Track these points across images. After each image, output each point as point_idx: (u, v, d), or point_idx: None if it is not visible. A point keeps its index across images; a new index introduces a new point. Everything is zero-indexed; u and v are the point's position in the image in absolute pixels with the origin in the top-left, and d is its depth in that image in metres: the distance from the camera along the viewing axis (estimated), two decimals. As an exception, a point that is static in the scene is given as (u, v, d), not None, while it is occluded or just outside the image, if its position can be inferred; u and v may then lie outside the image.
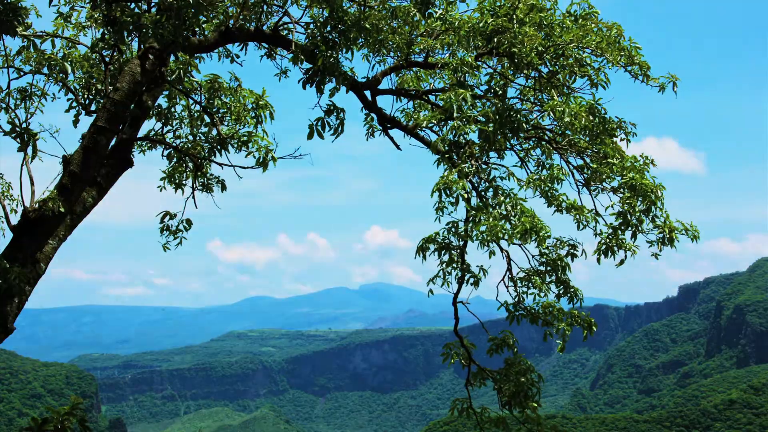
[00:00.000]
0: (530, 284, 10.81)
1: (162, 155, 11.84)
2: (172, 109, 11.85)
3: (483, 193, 10.10)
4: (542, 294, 10.75)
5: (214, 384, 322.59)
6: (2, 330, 8.96)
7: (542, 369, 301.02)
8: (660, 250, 10.36)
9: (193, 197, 12.17)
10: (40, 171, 10.21)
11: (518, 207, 9.48)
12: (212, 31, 10.80)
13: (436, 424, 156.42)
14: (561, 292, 10.69)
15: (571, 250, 10.46)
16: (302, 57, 10.27)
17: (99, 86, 11.00)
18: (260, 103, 10.97)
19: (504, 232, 9.10)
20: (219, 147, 11.33)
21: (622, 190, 10.44)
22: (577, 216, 10.33)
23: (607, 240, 10.34)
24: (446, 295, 10.93)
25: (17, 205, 11.40)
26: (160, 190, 12.29)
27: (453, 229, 9.81)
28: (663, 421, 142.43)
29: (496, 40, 10.69)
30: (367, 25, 10.31)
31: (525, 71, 10.72)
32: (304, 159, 11.00)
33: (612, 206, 10.39)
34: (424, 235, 10.20)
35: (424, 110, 12.54)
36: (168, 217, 12.32)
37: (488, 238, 9.08)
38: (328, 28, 10.27)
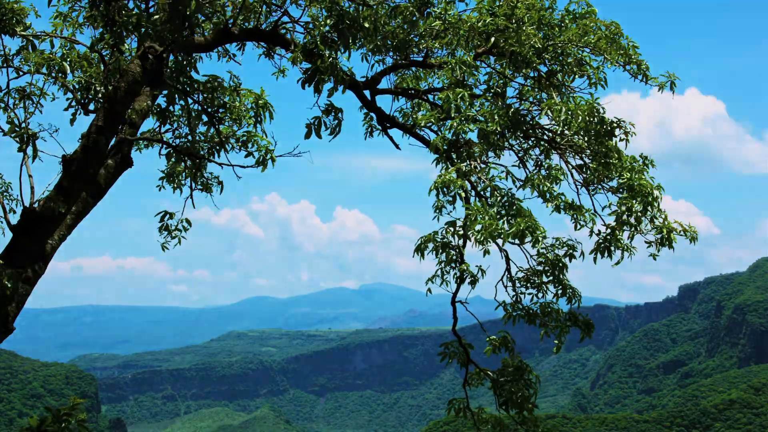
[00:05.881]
0: (529, 284, 10.79)
1: (159, 154, 11.84)
2: (171, 109, 11.83)
3: (482, 193, 10.09)
4: (541, 295, 10.72)
5: (214, 384, 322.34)
6: (2, 330, 8.95)
7: (542, 369, 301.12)
8: (658, 251, 10.34)
9: (191, 197, 12.17)
10: (40, 171, 10.23)
11: (515, 207, 9.45)
12: (211, 30, 10.79)
13: (436, 424, 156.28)
14: (559, 292, 10.67)
15: (570, 251, 10.44)
16: (301, 57, 10.26)
17: (98, 86, 10.99)
18: (259, 102, 10.96)
19: (499, 231, 9.08)
20: (218, 147, 11.33)
21: (621, 190, 10.43)
22: (575, 215, 10.32)
23: (605, 240, 10.33)
24: (446, 294, 10.90)
25: (17, 205, 11.44)
26: (159, 190, 12.30)
27: (452, 228, 9.79)
28: (663, 421, 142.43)
29: (494, 39, 10.69)
30: (367, 24, 10.29)
31: (524, 70, 10.72)
32: (305, 157, 11.00)
33: (609, 206, 10.39)
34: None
35: (423, 110, 12.54)
36: (167, 216, 12.32)
37: (483, 237, 9.06)
38: (327, 28, 10.25)
